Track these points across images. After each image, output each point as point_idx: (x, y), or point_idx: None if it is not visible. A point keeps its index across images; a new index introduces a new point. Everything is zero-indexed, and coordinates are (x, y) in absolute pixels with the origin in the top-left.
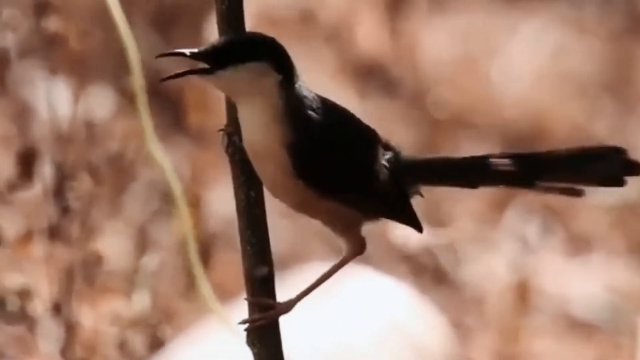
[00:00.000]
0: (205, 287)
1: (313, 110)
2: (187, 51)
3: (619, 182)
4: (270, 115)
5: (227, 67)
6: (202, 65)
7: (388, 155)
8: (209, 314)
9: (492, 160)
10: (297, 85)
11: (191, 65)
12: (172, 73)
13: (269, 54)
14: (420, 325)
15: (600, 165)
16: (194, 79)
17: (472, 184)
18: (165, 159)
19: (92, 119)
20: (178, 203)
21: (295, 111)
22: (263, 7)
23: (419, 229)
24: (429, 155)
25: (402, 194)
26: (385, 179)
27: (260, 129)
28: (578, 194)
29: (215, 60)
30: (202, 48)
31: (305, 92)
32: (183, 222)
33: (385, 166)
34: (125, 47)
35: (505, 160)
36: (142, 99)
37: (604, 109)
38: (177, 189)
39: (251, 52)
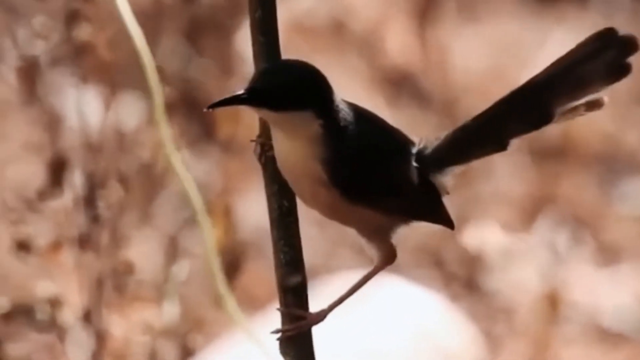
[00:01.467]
0: (230, 300)
1: (348, 124)
2: (239, 94)
3: (625, 69)
4: (309, 145)
5: (271, 108)
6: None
7: (415, 151)
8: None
9: (504, 105)
10: (334, 110)
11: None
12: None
13: (313, 100)
14: (451, 334)
15: (599, 60)
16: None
17: (500, 144)
18: (185, 173)
19: (122, 128)
20: (200, 218)
21: (332, 133)
22: (294, 18)
23: (451, 226)
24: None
25: (434, 193)
26: (417, 180)
27: (297, 153)
28: (598, 105)
29: (264, 102)
30: (251, 87)
31: (341, 110)
32: (206, 237)
33: (416, 166)
34: (141, 58)
35: (516, 100)
36: (161, 110)
37: (634, 118)
38: (198, 203)
39: (297, 100)
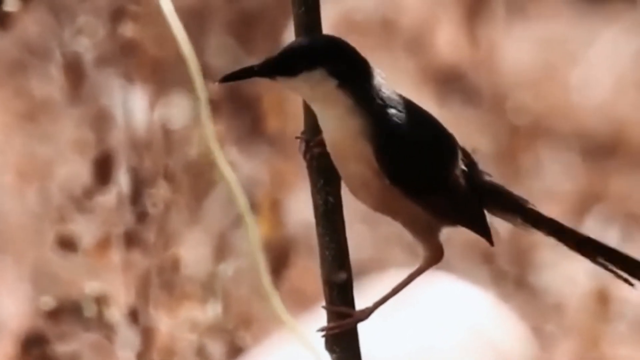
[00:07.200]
0: (276, 300)
1: (394, 106)
2: (251, 66)
3: None
4: (342, 113)
5: (283, 74)
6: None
7: (466, 162)
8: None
9: (554, 226)
10: (370, 83)
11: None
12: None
13: (324, 61)
14: (501, 331)
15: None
16: (272, 84)
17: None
18: (231, 172)
19: (169, 126)
20: (246, 218)
21: (371, 107)
22: (343, 14)
23: (489, 240)
24: (501, 184)
25: (477, 201)
26: (465, 183)
27: (337, 127)
28: (629, 283)
29: (275, 69)
30: (262, 60)
31: (383, 90)
32: (251, 237)
33: (464, 171)
34: (185, 58)
35: (570, 232)
36: (205, 109)
37: None
38: (243, 202)
39: (305, 60)
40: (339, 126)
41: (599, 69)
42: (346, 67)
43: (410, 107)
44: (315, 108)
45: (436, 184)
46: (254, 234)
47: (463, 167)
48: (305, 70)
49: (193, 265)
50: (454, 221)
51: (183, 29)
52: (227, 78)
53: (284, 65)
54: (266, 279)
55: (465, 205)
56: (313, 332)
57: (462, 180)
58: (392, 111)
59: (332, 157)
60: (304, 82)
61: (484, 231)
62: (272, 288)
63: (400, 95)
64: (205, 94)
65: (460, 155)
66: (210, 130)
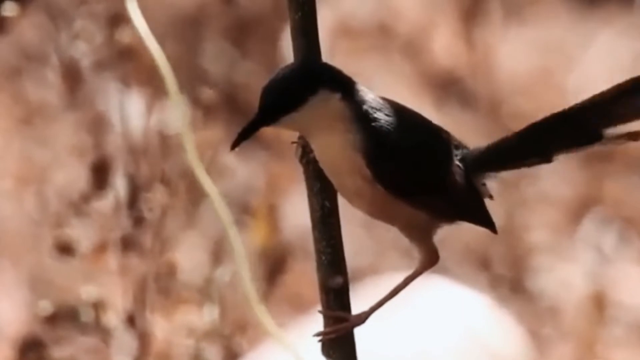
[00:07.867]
0: (263, 314)
1: (382, 113)
2: (253, 119)
3: None
4: (343, 131)
5: (290, 111)
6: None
7: (459, 153)
8: (283, 328)
9: (554, 121)
10: (358, 94)
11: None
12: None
13: (322, 80)
14: (498, 335)
15: None
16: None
17: (545, 157)
18: (211, 185)
19: (166, 131)
20: (229, 233)
21: (364, 117)
22: (340, 20)
23: (493, 230)
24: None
25: (476, 194)
26: (460, 179)
27: (330, 141)
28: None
29: (278, 110)
30: (260, 107)
31: (370, 98)
32: (237, 253)
33: (459, 166)
34: (154, 59)
35: (567, 116)
36: (183, 115)
37: None
38: (226, 217)
39: (304, 87)
40: (332, 141)
41: (596, 73)
42: (339, 83)
43: (399, 112)
44: (312, 134)
45: (432, 186)
46: (239, 249)
47: (457, 162)
48: (310, 95)
49: (190, 270)
50: (455, 218)
51: (155, 41)
52: (237, 142)
53: (286, 101)
54: (253, 293)
55: (464, 201)
56: (303, 341)
57: (458, 177)
58: (382, 120)
59: (325, 170)
60: (310, 108)
61: (487, 222)
62: (260, 302)
63: (388, 101)
64: (185, 108)
65: (453, 151)
66: (191, 144)
